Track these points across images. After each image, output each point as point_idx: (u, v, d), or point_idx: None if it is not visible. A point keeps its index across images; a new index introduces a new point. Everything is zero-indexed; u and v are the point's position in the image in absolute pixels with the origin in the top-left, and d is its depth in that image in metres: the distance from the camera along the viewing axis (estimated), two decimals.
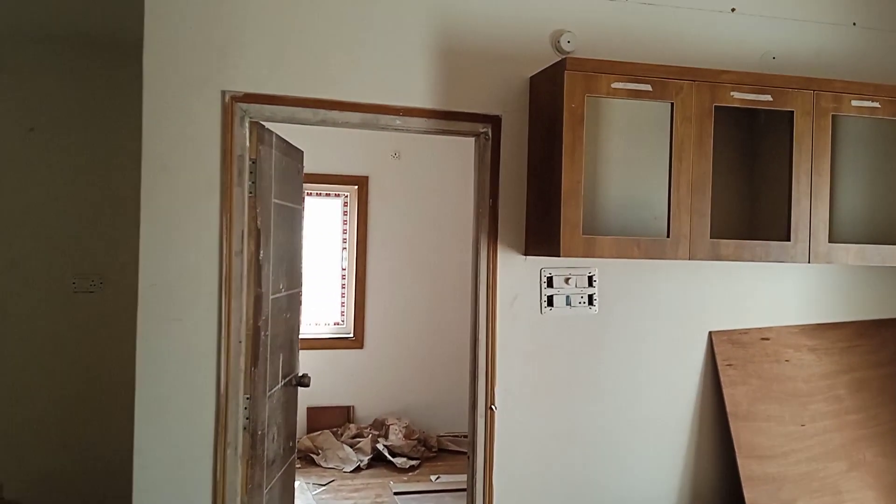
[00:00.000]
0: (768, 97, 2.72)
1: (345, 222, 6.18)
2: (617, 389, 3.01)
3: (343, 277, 6.19)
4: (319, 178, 5.84)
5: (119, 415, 3.69)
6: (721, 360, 3.07)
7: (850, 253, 2.85)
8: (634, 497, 3.01)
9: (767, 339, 3.13)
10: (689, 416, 3.08)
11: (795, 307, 3.20)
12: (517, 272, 2.90)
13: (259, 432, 2.78)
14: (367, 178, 6.05)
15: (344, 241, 6.18)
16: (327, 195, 6.13)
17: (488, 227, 2.87)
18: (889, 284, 3.30)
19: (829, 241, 2.82)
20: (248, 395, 2.70)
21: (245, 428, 2.70)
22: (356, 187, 6.07)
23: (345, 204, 6.18)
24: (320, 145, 5.68)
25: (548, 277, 2.93)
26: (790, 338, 3.15)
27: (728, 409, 3.01)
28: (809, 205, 2.79)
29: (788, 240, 2.78)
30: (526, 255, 2.90)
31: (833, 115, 2.79)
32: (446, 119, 2.80)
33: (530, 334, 2.92)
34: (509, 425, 2.89)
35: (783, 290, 3.18)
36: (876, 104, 2.82)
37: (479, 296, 2.89)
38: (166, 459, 2.57)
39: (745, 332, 3.12)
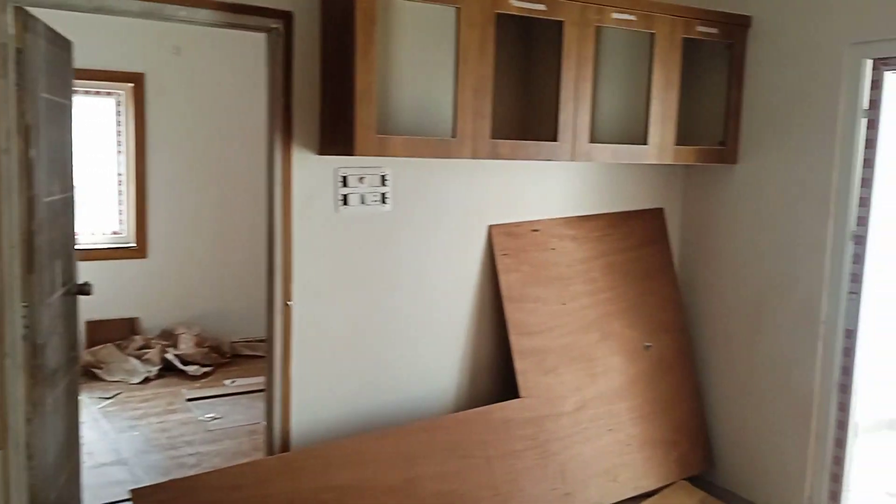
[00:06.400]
0: (542, 6, 2.95)
1: (119, 123, 5.74)
2: (408, 279, 3.24)
3: (120, 183, 5.79)
4: (89, 73, 5.28)
5: None
6: (498, 250, 3.40)
7: (607, 151, 3.24)
8: (423, 372, 3.31)
9: (537, 230, 3.51)
10: (470, 300, 3.40)
11: (560, 202, 3.59)
12: (312, 172, 2.96)
13: (40, 342, 2.65)
14: (142, 75, 5.62)
15: (119, 143, 5.75)
16: (97, 93, 5.63)
17: (282, 126, 2.87)
18: (635, 181, 3.79)
19: (590, 142, 3.18)
20: (25, 304, 2.55)
21: (24, 337, 2.56)
22: (131, 85, 5.63)
23: (118, 104, 5.72)
24: (89, 37, 5.15)
25: (343, 177, 3.03)
26: (555, 228, 3.55)
27: (503, 293, 3.37)
28: (574, 108, 3.11)
29: (556, 140, 3.10)
30: (320, 154, 2.95)
31: (596, 26, 3.10)
32: (235, 12, 2.72)
33: (327, 232, 3.02)
34: (306, 319, 3.01)
35: (550, 188, 3.55)
36: (632, 17, 3.16)
37: (273, 195, 2.91)
38: None
39: (518, 224, 3.47)
